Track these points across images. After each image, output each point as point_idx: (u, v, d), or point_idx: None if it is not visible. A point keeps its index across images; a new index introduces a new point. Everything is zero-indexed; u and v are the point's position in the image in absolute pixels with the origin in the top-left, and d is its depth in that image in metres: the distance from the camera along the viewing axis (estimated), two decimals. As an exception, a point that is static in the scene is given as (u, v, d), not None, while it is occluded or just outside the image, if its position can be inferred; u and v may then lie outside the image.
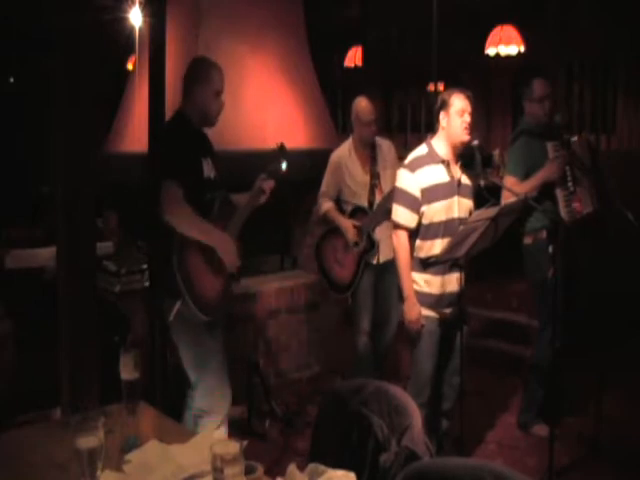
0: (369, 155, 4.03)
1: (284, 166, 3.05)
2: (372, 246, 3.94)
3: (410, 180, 3.18)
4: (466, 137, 3.17)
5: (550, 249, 3.47)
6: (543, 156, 3.72)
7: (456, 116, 3.15)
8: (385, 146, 4.10)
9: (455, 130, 3.17)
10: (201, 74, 2.96)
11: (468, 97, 3.17)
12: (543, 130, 3.80)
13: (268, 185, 3.03)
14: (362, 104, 3.98)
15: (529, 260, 3.84)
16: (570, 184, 3.71)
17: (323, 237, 4.17)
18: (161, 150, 2.92)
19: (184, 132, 2.92)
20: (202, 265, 2.84)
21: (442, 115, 3.19)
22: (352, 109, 4.04)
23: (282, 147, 3.10)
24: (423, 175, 3.17)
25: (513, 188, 3.50)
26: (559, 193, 3.71)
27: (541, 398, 3.87)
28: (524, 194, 3.30)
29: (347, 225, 3.96)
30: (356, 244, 3.96)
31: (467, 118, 3.16)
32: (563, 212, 3.67)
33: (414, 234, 3.21)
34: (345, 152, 4.08)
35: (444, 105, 3.18)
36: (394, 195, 3.27)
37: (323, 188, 4.10)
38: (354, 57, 8.21)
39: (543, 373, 3.78)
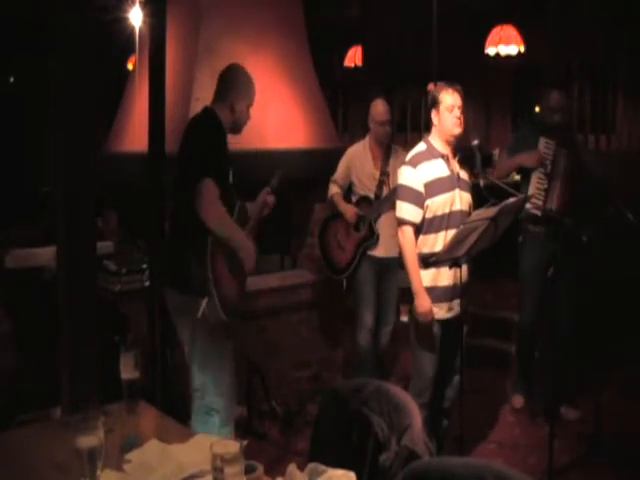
0: (383, 154, 4.21)
1: (275, 181, 3.18)
2: (372, 235, 4.10)
3: (413, 176, 3.19)
4: (457, 130, 3.19)
5: (520, 239, 3.98)
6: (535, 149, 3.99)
7: (446, 112, 3.18)
8: (400, 153, 4.22)
9: (446, 125, 3.19)
10: (241, 86, 3.01)
11: (457, 91, 3.20)
12: (546, 128, 4.01)
13: (270, 200, 3.14)
14: (378, 105, 4.20)
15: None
16: (545, 180, 3.91)
17: (328, 220, 4.36)
18: (198, 146, 2.86)
19: (221, 133, 2.93)
20: (226, 266, 2.85)
21: (434, 113, 3.23)
22: (369, 110, 4.23)
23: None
24: (425, 170, 3.19)
25: (497, 162, 3.94)
26: (533, 178, 3.94)
27: (530, 370, 4.14)
28: (525, 195, 3.33)
29: (347, 208, 4.18)
30: (357, 228, 4.14)
31: (457, 112, 3.18)
32: (530, 200, 3.82)
33: (418, 230, 3.21)
34: (360, 147, 4.29)
35: (434, 103, 3.22)
36: (398, 192, 3.28)
37: (335, 176, 4.30)
38: (354, 57, 8.19)
39: (528, 341, 4.09)
